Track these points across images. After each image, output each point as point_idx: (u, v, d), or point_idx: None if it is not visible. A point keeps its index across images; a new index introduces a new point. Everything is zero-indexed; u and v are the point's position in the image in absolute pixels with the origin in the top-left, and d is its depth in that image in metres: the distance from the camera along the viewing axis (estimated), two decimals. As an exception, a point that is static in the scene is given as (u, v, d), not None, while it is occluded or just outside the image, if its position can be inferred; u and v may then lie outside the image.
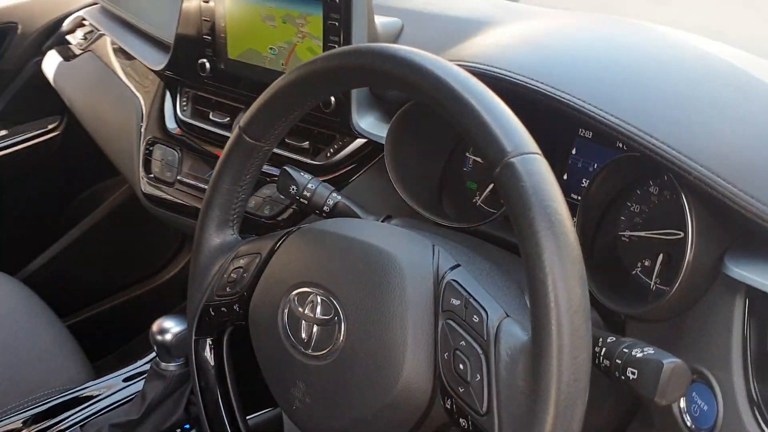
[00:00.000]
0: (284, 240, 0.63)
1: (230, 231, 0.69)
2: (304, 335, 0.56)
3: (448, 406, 0.50)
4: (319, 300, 0.56)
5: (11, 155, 1.46)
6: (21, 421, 0.99)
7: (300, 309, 0.57)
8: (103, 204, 1.53)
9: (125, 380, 1.07)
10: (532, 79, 0.64)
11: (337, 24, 0.79)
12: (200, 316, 0.69)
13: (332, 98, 0.82)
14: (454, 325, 0.50)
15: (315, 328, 0.56)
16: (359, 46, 0.55)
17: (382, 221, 0.73)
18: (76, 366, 1.13)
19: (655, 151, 0.55)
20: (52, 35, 1.42)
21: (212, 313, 0.68)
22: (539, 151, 0.46)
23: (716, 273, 0.57)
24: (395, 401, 0.51)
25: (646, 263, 0.65)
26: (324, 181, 0.76)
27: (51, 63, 1.39)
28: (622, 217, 0.68)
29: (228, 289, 0.66)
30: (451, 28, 0.83)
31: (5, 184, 1.49)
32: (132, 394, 1.02)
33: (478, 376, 0.47)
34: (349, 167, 0.86)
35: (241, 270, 0.65)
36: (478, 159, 0.80)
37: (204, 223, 0.68)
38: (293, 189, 0.74)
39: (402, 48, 0.52)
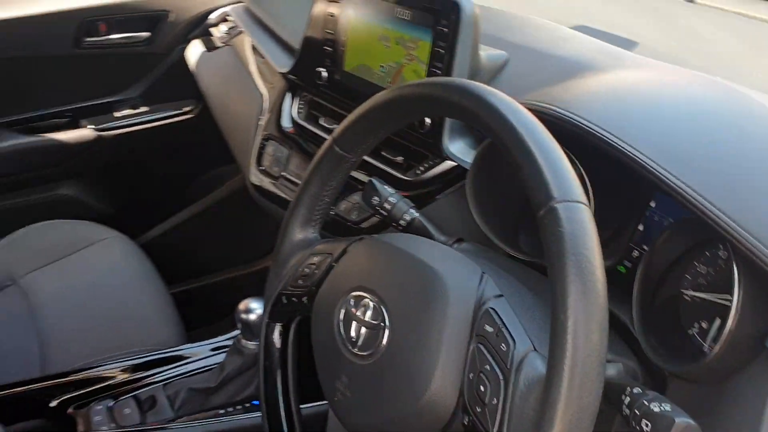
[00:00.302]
0: (353, 245, 0.70)
1: (312, 229, 0.77)
2: (353, 334, 0.62)
3: (465, 423, 0.54)
4: (371, 305, 0.62)
5: (150, 130, 1.63)
6: (118, 369, 1.11)
7: (353, 310, 0.63)
8: (220, 188, 1.67)
9: (212, 350, 1.17)
10: (610, 134, 0.67)
11: (442, 51, 0.85)
12: (274, 303, 0.77)
13: (427, 119, 0.88)
14: (483, 349, 0.54)
15: (363, 330, 0.62)
16: (442, 79, 0.61)
17: (454, 243, 0.78)
18: (171, 330, 1.26)
19: (709, 216, 0.57)
20: (199, 26, 1.57)
21: (284, 302, 0.75)
22: (585, 201, 0.49)
23: (760, 347, 0.57)
24: (421, 410, 0.56)
25: (704, 325, 0.66)
26: (409, 197, 0.82)
27: (194, 51, 1.54)
28: (687, 276, 0.69)
29: (300, 282, 0.73)
30: (552, 68, 0.87)
31: (141, 155, 1.66)
32: (214, 365, 1.11)
33: (495, 399, 0.52)
34: (434, 187, 0.91)
35: (314, 266, 0.72)
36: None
37: (290, 218, 0.76)
38: (375, 200, 0.80)
39: (479, 86, 0.57)
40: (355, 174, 1.00)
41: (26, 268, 1.32)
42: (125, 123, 1.59)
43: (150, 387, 1.07)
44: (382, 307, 0.61)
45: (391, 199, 0.80)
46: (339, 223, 1.00)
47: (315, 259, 0.73)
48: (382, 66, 0.95)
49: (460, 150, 0.88)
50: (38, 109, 1.52)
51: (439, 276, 0.59)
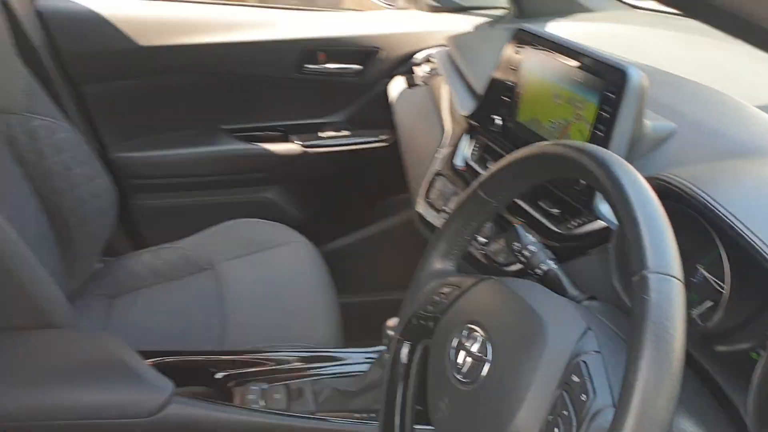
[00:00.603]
0: (480, 283, 0.76)
1: (449, 262, 0.84)
2: (460, 362, 0.69)
3: None
4: (479, 339, 0.68)
5: (348, 152, 1.81)
6: (281, 358, 1.25)
7: (464, 341, 0.70)
8: (398, 214, 1.80)
9: (361, 358, 1.27)
10: (738, 220, 0.67)
11: (607, 116, 0.89)
12: (406, 323, 0.85)
13: (583, 178, 0.92)
14: (565, 396, 0.58)
15: (468, 359, 0.68)
16: (576, 143, 0.66)
17: (586, 299, 0.81)
18: (332, 333, 1.39)
19: None
20: (404, 64, 1.72)
21: (414, 323, 0.84)
22: (680, 278, 0.52)
23: None
24: None
25: None
26: (558, 248, 0.87)
27: (396, 86, 1.68)
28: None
29: (429, 308, 0.81)
30: (719, 146, 0.86)
31: (338, 173, 1.84)
32: (360, 372, 1.22)
33: None
34: (583, 243, 0.94)
35: (444, 296, 0.80)
36: (706, 273, 0.82)
37: (431, 249, 0.85)
38: (516, 246, 0.86)
39: (605, 153, 0.62)
40: (510, 218, 1.06)
41: (224, 256, 1.53)
42: (328, 143, 1.78)
43: (301, 380, 1.20)
44: (488, 342, 0.67)
45: (531, 247, 0.85)
46: (486, 264, 1.07)
47: (446, 290, 0.80)
48: (552, 121, 1.00)
49: (610, 211, 0.90)
50: (258, 122, 1.75)
51: (543, 324, 0.64)
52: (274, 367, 1.21)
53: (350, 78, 1.74)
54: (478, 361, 0.67)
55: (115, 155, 1.69)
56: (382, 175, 1.79)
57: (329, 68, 1.72)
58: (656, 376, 0.49)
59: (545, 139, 1.01)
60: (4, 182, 1.24)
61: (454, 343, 0.71)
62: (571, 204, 0.98)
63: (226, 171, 1.75)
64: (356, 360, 1.26)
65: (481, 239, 1.10)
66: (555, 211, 1.01)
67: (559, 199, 1.00)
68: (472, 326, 0.70)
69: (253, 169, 1.76)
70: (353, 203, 1.90)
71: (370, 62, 1.72)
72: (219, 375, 1.17)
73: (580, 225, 0.96)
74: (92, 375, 1.00)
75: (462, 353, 0.69)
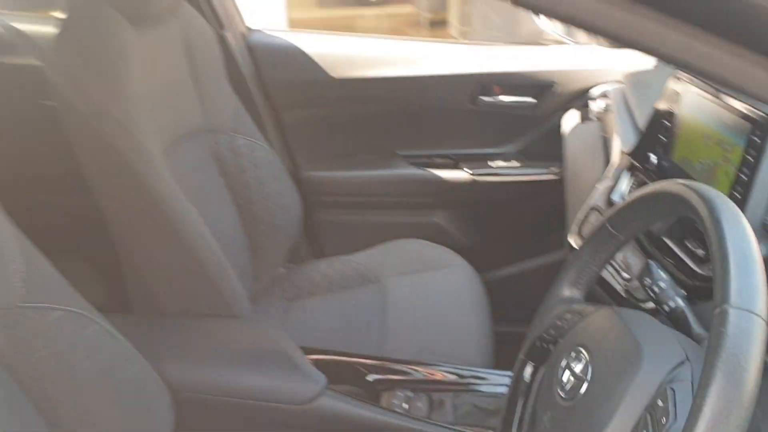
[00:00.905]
0: (595, 312, 0.81)
1: (576, 290, 0.90)
2: (564, 380, 0.75)
3: None
4: (583, 361, 0.74)
5: (517, 183, 1.88)
6: (431, 371, 1.35)
7: (571, 362, 0.76)
8: (561, 249, 1.83)
9: (506, 382, 1.34)
10: None
11: (752, 160, 0.90)
12: (531, 344, 0.92)
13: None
14: (648, 418, 0.63)
15: (571, 378, 0.74)
16: (693, 183, 0.70)
17: None
18: (482, 355, 1.47)
19: None
20: (580, 98, 1.76)
21: (537, 344, 0.90)
22: (763, 316, 0.55)
23: None
24: None
25: None
26: (694, 288, 0.89)
27: (569, 120, 1.73)
28: None
29: (551, 331, 0.87)
30: None
31: (505, 203, 1.92)
32: (501, 393, 1.29)
33: None
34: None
35: (566, 321, 0.86)
36: None
37: (561, 276, 0.91)
38: (647, 281, 0.90)
39: (712, 193, 0.66)
40: (656, 256, 1.08)
41: (390, 272, 1.67)
42: (498, 172, 1.86)
43: (444, 392, 1.29)
44: (590, 365, 0.73)
45: (661, 283, 0.89)
46: (625, 299, 1.10)
47: (568, 316, 0.86)
48: (701, 162, 1.02)
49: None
50: (431, 149, 1.89)
51: (640, 351, 0.68)
52: (421, 378, 1.31)
53: (524, 111, 1.82)
54: (579, 381, 0.73)
55: (305, 173, 1.91)
56: (550, 208, 1.83)
57: (503, 101, 1.81)
58: (725, 405, 0.52)
59: (695, 179, 1.03)
60: (211, 190, 1.48)
61: (563, 363, 0.77)
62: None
63: (400, 193, 1.90)
64: (499, 382, 1.33)
65: (625, 275, 1.12)
66: (700, 252, 1.02)
67: (704, 241, 1.01)
68: (580, 349, 0.76)
69: (424, 193, 1.89)
70: (519, 234, 1.96)
71: (545, 96, 1.79)
72: (370, 377, 1.30)
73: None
74: (258, 361, 1.17)
75: (567, 372, 0.75)
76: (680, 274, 1.00)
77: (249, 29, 1.85)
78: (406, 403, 1.25)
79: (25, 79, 1.63)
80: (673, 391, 0.64)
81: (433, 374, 1.33)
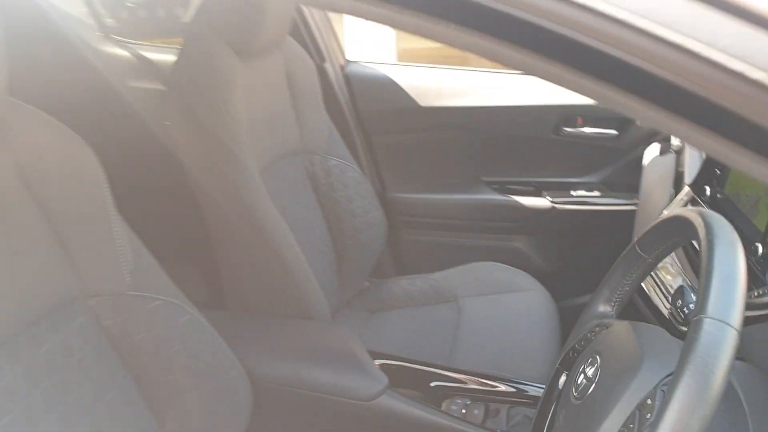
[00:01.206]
0: (617, 325, 0.90)
1: (609, 307, 0.99)
2: (578, 381, 0.84)
3: None
4: (597, 365, 0.83)
5: (598, 212, 1.94)
6: (493, 382, 1.45)
7: (586, 366, 0.85)
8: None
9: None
10: None
11: (788, 191, 0.96)
12: (566, 354, 1.01)
13: (760, 246, 0.99)
14: (637, 414, 0.71)
15: (584, 381, 0.83)
16: (699, 209, 0.78)
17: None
18: (544, 374, 1.54)
19: None
20: (660, 132, 1.81)
21: (571, 355, 0.99)
22: (737, 328, 0.63)
23: None
24: None
25: None
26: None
27: (650, 153, 1.79)
28: None
29: (582, 343, 0.96)
30: None
31: (584, 231, 1.98)
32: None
33: None
34: (757, 313, 1.00)
35: (595, 333, 0.95)
36: None
37: (597, 293, 1.00)
38: (679, 302, 0.97)
39: (713, 217, 0.74)
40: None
41: (467, 292, 1.78)
42: (578, 201, 1.93)
43: (501, 403, 1.39)
44: (600, 368, 0.82)
45: (691, 305, 0.96)
46: (668, 320, 1.16)
47: (597, 329, 0.95)
48: (747, 195, 1.08)
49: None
50: (514, 176, 1.99)
51: (641, 358, 0.77)
52: (480, 387, 1.41)
53: (606, 142, 1.89)
54: (589, 383, 0.82)
55: (393, 195, 2.06)
56: (630, 238, 1.88)
57: (586, 132, 1.89)
58: (690, 401, 0.60)
59: (740, 212, 1.09)
60: (303, 206, 1.66)
61: (581, 368, 0.87)
62: (754, 274, 1.04)
63: (481, 218, 2.01)
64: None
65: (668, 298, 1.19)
66: (743, 280, 1.07)
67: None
68: (595, 354, 0.85)
69: (505, 218, 1.99)
70: (598, 262, 2.00)
71: (627, 128, 1.85)
72: (432, 384, 1.42)
73: (760, 296, 1.02)
74: (328, 359, 1.32)
75: (582, 376, 0.85)
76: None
77: (347, 61, 2.04)
78: (463, 409, 1.36)
79: (152, 101, 1.88)
80: (663, 392, 0.72)
81: (492, 385, 1.42)
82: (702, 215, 0.76)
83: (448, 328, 1.67)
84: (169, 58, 1.72)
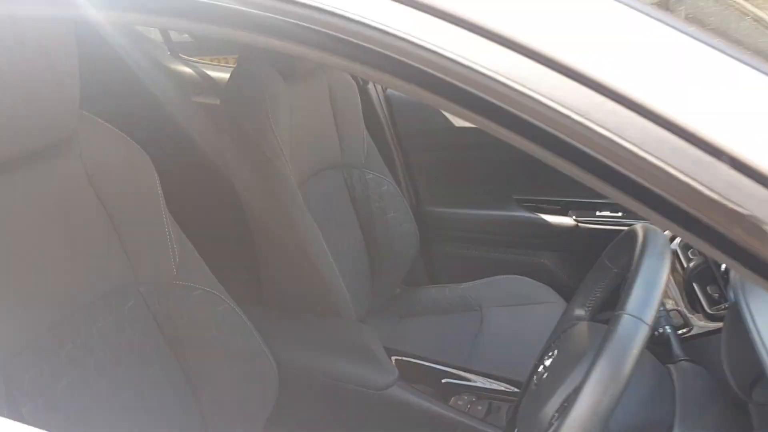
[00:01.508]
0: (579, 325, 1.04)
1: (583, 311, 1.12)
2: (539, 369, 0.99)
3: None
4: (553, 356, 0.97)
5: (619, 233, 2.04)
6: (500, 384, 1.59)
7: (546, 357, 0.99)
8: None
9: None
10: None
11: None
12: (543, 352, 1.15)
13: (723, 265, 1.11)
14: (573, 395, 0.85)
15: (542, 369, 0.98)
16: (648, 224, 0.91)
17: (683, 361, 1.02)
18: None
19: None
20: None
21: (545, 352, 1.13)
22: (649, 323, 0.77)
23: None
24: None
25: None
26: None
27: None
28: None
29: (557, 341, 1.10)
30: None
31: (593, 246, 2.08)
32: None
33: None
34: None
35: (565, 332, 1.09)
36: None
37: (573, 299, 1.14)
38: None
39: (658, 232, 0.87)
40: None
41: (492, 303, 1.92)
42: (602, 221, 2.04)
43: (503, 402, 1.53)
44: (554, 359, 0.96)
45: (662, 319, 1.09)
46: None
47: (568, 329, 1.09)
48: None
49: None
50: (543, 195, 2.12)
51: (585, 351, 0.91)
52: (486, 386, 1.56)
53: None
54: (544, 371, 0.96)
55: (427, 208, 2.22)
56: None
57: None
58: (604, 381, 0.74)
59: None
60: (341, 215, 1.83)
61: (543, 359, 1.01)
62: (722, 289, 1.16)
63: (510, 233, 2.14)
64: None
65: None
66: (716, 295, 1.19)
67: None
68: (555, 348, 0.99)
69: (532, 235, 2.12)
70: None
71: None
72: (444, 381, 1.57)
73: (721, 310, 1.13)
74: (347, 351, 1.49)
75: (542, 366, 0.99)
76: (693, 311, 1.18)
77: (389, 83, 2.21)
78: (469, 404, 1.50)
79: (210, 115, 2.10)
80: None
81: (498, 385, 1.57)
82: (645, 229, 0.90)
83: (469, 334, 1.82)
84: (227, 76, 1.94)
